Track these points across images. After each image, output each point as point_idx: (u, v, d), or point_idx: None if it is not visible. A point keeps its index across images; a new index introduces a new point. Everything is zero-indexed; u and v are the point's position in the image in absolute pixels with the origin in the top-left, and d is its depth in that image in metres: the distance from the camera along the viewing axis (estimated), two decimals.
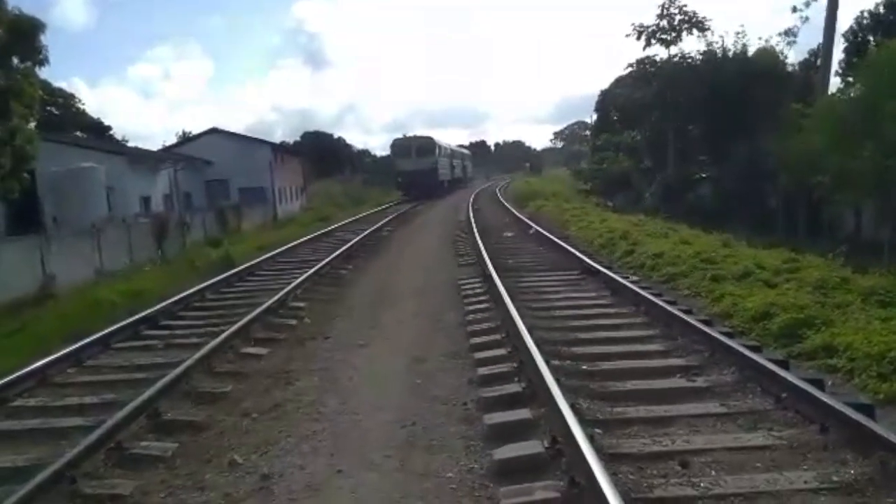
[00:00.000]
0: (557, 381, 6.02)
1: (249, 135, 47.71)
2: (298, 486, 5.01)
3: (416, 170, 45.19)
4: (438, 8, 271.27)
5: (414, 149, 46.75)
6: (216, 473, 5.28)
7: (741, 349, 6.89)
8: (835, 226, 27.57)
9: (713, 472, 4.74)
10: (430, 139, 48.79)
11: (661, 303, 9.23)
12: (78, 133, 42.07)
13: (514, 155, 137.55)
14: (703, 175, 36.88)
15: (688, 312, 8.84)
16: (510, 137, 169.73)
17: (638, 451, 5.09)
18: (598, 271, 12.40)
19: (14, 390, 7.34)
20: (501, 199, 41.05)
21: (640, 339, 8.19)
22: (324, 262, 15.31)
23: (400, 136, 50.99)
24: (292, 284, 12.47)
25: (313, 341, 9.25)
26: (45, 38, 17.39)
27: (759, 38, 38.48)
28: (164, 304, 11.32)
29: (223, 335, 8.78)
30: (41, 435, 6.17)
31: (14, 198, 19.69)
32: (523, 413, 5.82)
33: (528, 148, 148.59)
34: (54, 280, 15.38)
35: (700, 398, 6.17)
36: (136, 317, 10.40)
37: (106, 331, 9.55)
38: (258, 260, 16.82)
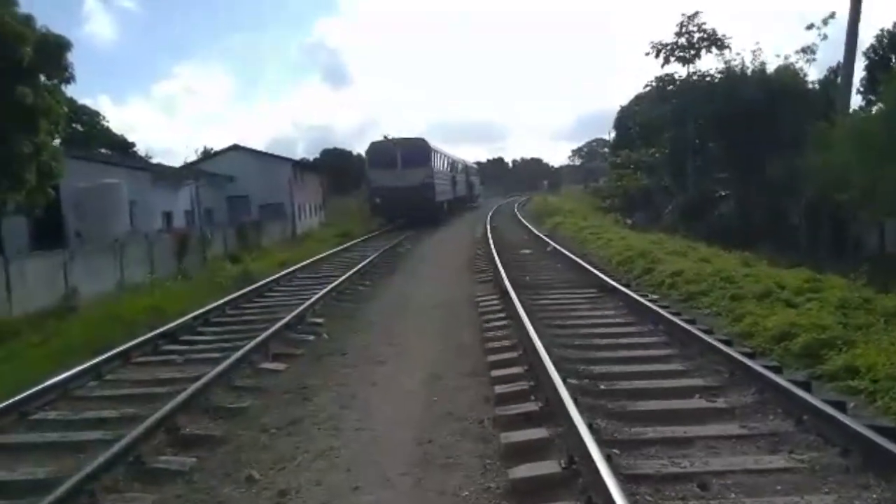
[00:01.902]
0: (574, 399, 5.98)
1: (270, 151, 48.16)
2: (315, 502, 5.01)
3: (401, 186, 32.30)
4: (457, 25, 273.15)
5: (399, 156, 33.44)
6: (234, 489, 5.30)
7: (762, 370, 6.81)
8: (859, 244, 27.25)
9: (732, 495, 4.68)
10: (421, 143, 35.37)
11: (679, 322, 9.17)
12: (102, 150, 42.72)
13: (532, 172, 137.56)
14: (724, 193, 36.67)
15: (707, 332, 8.77)
16: (528, 154, 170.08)
17: (656, 473, 5.03)
18: (617, 289, 12.34)
19: (35, 403, 7.42)
20: (519, 217, 41.06)
21: (658, 358, 8.13)
22: (342, 279, 15.38)
23: (379, 138, 37.00)
24: (311, 300, 12.53)
25: (331, 357, 9.28)
26: (72, 56, 17.74)
27: (777, 56, 38.41)
28: (183, 319, 11.41)
29: (242, 350, 8.84)
30: (61, 448, 6.23)
31: (38, 213, 20.05)
32: (540, 432, 5.79)
33: (547, 165, 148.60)
34: (77, 293, 15.58)
35: (720, 419, 6.10)
36: (157, 331, 10.49)
37: (126, 345, 9.64)
38: (277, 276, 16.92)
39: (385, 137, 36.05)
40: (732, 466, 5.08)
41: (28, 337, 12.14)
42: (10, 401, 7.19)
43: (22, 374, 8.83)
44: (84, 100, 55.48)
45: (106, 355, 9.08)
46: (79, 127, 44.76)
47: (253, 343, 9.22)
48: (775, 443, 5.50)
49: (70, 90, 20.00)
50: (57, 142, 19.40)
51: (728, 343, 8.21)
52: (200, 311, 12.14)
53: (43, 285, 15.35)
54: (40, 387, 7.65)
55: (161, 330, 10.60)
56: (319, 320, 11.51)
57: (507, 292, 11.85)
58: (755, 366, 6.98)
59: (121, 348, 9.46)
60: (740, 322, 9.85)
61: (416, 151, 33.96)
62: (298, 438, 6.28)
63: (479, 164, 79.40)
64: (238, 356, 8.57)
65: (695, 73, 38.55)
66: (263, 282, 15.86)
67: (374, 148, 35.61)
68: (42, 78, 17.57)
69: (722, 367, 7.37)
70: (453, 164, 44.88)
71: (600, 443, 5.12)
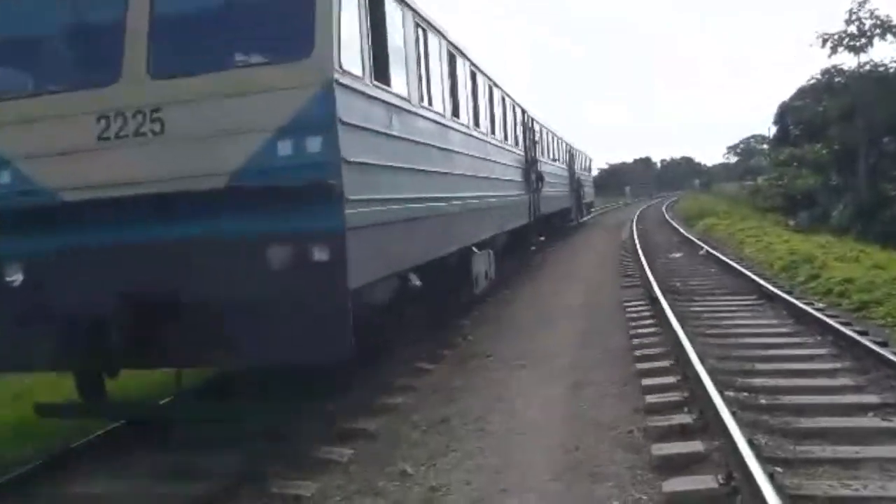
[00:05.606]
0: (732, 413, 5.73)
1: None
2: (464, 501, 5.14)
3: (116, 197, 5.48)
4: (603, 18, 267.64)
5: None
6: (388, 481, 5.54)
7: None
8: None
9: None
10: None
11: (850, 333, 8.49)
12: None
13: (682, 171, 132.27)
14: None
15: (882, 344, 8.06)
16: (678, 153, 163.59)
17: (823, 494, 4.70)
18: (778, 296, 11.62)
19: None
20: (667, 218, 39.59)
21: (826, 371, 7.56)
22: None
23: None
24: None
25: (476, 359, 9.42)
26: None
27: None
28: None
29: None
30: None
31: None
32: (695, 445, 5.59)
33: (698, 164, 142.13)
34: None
35: None
36: None
37: None
38: None
39: None
40: None
41: None
42: None
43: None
44: None
45: None
46: None
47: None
48: None
49: None
50: None
51: None
52: None
53: None
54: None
55: None
56: (464, 322, 11.71)
57: (656, 298, 11.50)
58: None
59: None
60: None
61: None
62: (448, 437, 6.45)
63: (623, 164, 73.52)
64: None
65: (866, 63, 35.43)
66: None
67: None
68: None
69: None
70: (526, 121, 17.82)
71: (761, 460, 4.87)
